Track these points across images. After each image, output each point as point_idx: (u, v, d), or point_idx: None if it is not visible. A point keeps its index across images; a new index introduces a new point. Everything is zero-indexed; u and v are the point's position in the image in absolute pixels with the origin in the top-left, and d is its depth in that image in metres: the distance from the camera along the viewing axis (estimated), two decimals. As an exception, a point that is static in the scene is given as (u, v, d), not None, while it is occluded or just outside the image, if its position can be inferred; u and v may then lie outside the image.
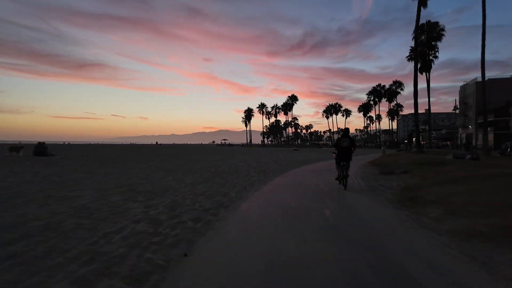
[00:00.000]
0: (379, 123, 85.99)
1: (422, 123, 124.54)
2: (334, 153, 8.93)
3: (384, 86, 78.21)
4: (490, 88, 59.52)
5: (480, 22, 23.40)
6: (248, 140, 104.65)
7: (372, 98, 79.53)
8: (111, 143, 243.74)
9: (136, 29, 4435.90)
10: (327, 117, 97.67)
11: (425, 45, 42.62)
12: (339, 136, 9.44)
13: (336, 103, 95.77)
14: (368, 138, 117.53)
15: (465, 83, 68.94)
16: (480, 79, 64.82)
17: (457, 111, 66.29)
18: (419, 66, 44.27)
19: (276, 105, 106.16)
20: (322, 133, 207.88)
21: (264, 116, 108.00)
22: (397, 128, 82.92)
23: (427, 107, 57.44)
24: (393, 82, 75.72)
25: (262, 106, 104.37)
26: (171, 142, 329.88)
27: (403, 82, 75.37)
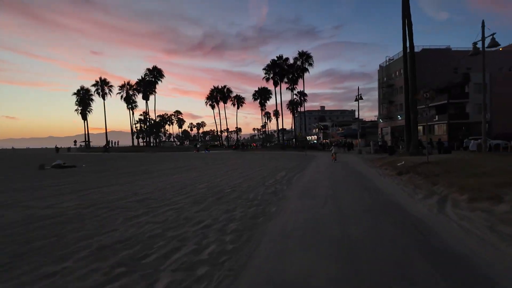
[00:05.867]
0: (281, 114, 61.27)
1: (318, 120, 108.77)
2: None
3: (287, 59, 53.97)
4: (426, 60, 41.45)
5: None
6: (86, 141, 65.50)
7: (272, 75, 54.04)
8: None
9: (2, 10, 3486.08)
10: (212, 106, 68.82)
11: None
12: None
13: (224, 86, 67.73)
14: (265, 137, 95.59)
15: (387, 58, 51.33)
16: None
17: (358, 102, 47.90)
18: None
19: (128, 83, 68.05)
20: (219, 133, 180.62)
21: (127, 107, 71.40)
22: (304, 125, 60.27)
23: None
24: (299, 53, 52.07)
25: (102, 84, 63.96)
26: (26, 146, 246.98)
27: (311, 54, 52.33)
